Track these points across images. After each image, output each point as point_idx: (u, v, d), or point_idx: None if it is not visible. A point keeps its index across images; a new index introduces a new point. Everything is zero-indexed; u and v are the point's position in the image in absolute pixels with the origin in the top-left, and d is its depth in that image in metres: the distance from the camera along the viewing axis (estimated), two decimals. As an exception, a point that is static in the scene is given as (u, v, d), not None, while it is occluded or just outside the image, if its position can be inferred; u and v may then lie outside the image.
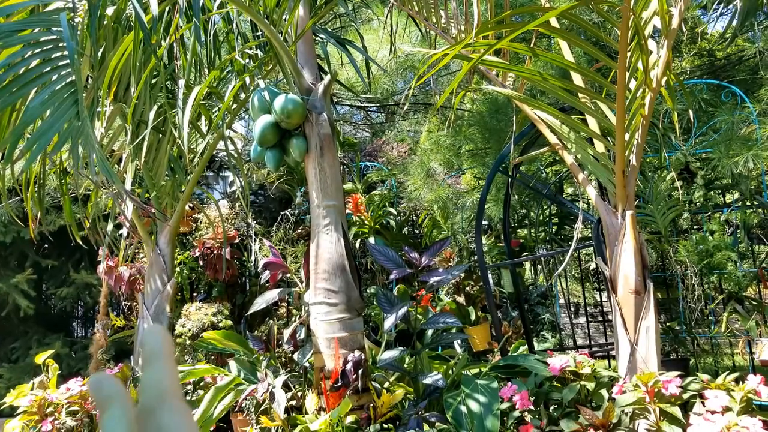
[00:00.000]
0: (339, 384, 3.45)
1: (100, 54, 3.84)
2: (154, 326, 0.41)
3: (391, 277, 3.94)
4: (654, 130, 4.06)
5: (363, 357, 3.56)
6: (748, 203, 4.49)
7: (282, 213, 6.36)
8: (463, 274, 5.37)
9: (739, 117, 4.36)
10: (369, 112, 9.44)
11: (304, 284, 4.35)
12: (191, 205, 6.15)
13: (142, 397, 0.38)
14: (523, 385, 3.09)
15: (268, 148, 3.96)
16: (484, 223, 5.98)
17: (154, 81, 4.29)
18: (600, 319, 7.20)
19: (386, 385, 3.95)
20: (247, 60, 4.33)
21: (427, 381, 3.41)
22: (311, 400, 3.64)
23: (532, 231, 6.05)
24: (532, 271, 6.88)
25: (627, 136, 2.94)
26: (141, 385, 0.38)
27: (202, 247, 5.89)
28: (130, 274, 5.66)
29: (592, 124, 3.29)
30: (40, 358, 4.47)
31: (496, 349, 4.81)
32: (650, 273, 3.04)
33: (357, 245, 5.96)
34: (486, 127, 5.57)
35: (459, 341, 5.11)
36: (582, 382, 2.98)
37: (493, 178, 4.48)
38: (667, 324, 4.77)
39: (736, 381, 2.74)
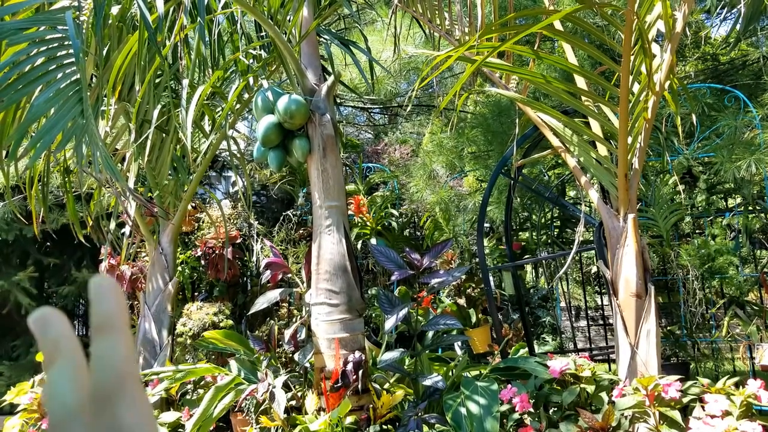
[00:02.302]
0: (339, 384, 3.45)
1: (104, 53, 3.85)
2: (105, 279, 0.35)
3: (393, 278, 3.95)
4: (657, 133, 4.06)
5: (363, 358, 3.56)
6: (750, 208, 4.49)
7: (284, 213, 6.37)
8: (464, 276, 5.37)
9: (742, 121, 4.35)
10: (372, 114, 9.45)
11: (305, 285, 4.36)
12: (194, 204, 6.16)
13: (96, 376, 0.33)
14: (522, 388, 3.09)
15: (270, 149, 3.97)
16: (486, 225, 5.98)
17: (158, 80, 4.30)
18: (601, 322, 7.19)
19: (386, 386, 3.96)
20: (251, 60, 4.34)
21: (427, 382, 3.41)
22: (311, 401, 3.65)
23: (534, 234, 6.05)
24: (534, 274, 6.87)
25: (630, 140, 2.95)
26: (94, 358, 0.33)
27: (204, 247, 5.89)
28: (132, 273, 5.67)
29: (595, 127, 3.29)
30: (41, 356, 4.47)
31: (496, 352, 4.81)
32: (651, 277, 3.04)
33: (359, 246, 5.96)
34: (489, 129, 5.57)
35: (459, 343, 5.11)
36: (582, 385, 2.98)
37: (496, 181, 4.48)
38: (668, 328, 4.77)
39: (737, 385, 2.74)
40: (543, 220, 6.06)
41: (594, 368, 3.06)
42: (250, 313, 4.82)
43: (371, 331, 5.72)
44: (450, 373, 3.87)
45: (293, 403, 3.88)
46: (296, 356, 4.02)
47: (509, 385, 3.11)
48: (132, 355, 0.34)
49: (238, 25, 4.28)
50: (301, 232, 6.27)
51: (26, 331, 7.40)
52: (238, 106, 4.78)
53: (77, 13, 3.24)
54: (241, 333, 5.46)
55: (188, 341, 5.19)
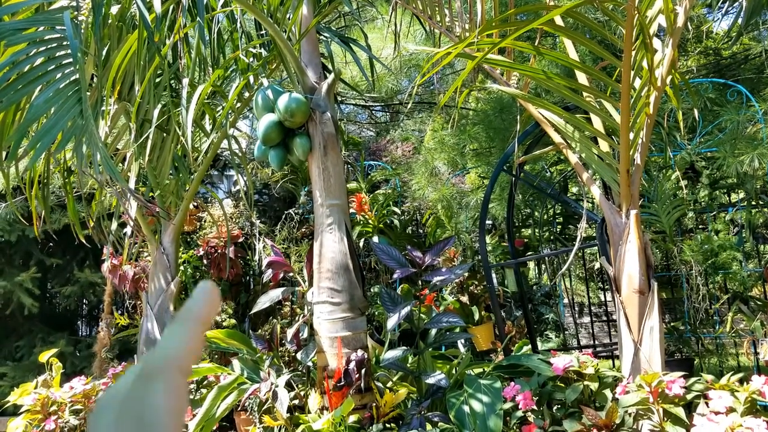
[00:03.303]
0: (342, 383, 3.45)
1: (104, 52, 3.84)
2: (208, 284, 0.38)
3: (395, 276, 3.94)
4: (659, 129, 4.04)
5: (366, 356, 3.56)
6: (753, 203, 4.47)
7: (286, 212, 6.36)
8: (466, 274, 5.36)
9: (745, 116, 4.33)
10: (373, 111, 9.43)
11: (307, 283, 4.35)
12: (195, 204, 6.16)
13: (149, 354, 0.35)
14: (526, 385, 3.08)
15: (271, 147, 3.96)
16: (488, 222, 5.96)
17: (158, 80, 4.29)
18: (604, 318, 7.18)
19: (389, 384, 3.95)
20: (251, 59, 4.32)
21: (430, 380, 3.40)
22: (314, 400, 3.64)
23: (536, 230, 6.03)
24: (536, 271, 6.86)
25: (632, 135, 2.93)
26: (160, 340, 0.36)
27: (206, 246, 5.89)
28: (134, 272, 5.67)
29: (597, 123, 3.28)
30: (44, 357, 4.48)
31: (499, 349, 4.80)
32: (654, 272, 3.03)
33: (361, 244, 5.96)
34: (490, 126, 5.55)
35: (462, 341, 5.10)
36: (585, 382, 2.96)
37: (498, 178, 4.46)
38: (672, 324, 4.75)
39: (741, 381, 2.73)
40: (545, 217, 6.04)
41: (597, 365, 3.05)
42: (252, 312, 4.82)
43: (374, 329, 5.72)
44: (453, 371, 3.86)
45: (296, 402, 3.88)
46: (299, 355, 4.02)
47: (512, 383, 3.10)
48: (194, 349, 0.36)
49: (238, 24, 4.28)
50: (303, 230, 6.26)
51: (29, 331, 7.42)
52: (238, 104, 4.77)
53: (75, 13, 3.23)
54: (243, 332, 5.46)
55: (191, 341, 5.18)
